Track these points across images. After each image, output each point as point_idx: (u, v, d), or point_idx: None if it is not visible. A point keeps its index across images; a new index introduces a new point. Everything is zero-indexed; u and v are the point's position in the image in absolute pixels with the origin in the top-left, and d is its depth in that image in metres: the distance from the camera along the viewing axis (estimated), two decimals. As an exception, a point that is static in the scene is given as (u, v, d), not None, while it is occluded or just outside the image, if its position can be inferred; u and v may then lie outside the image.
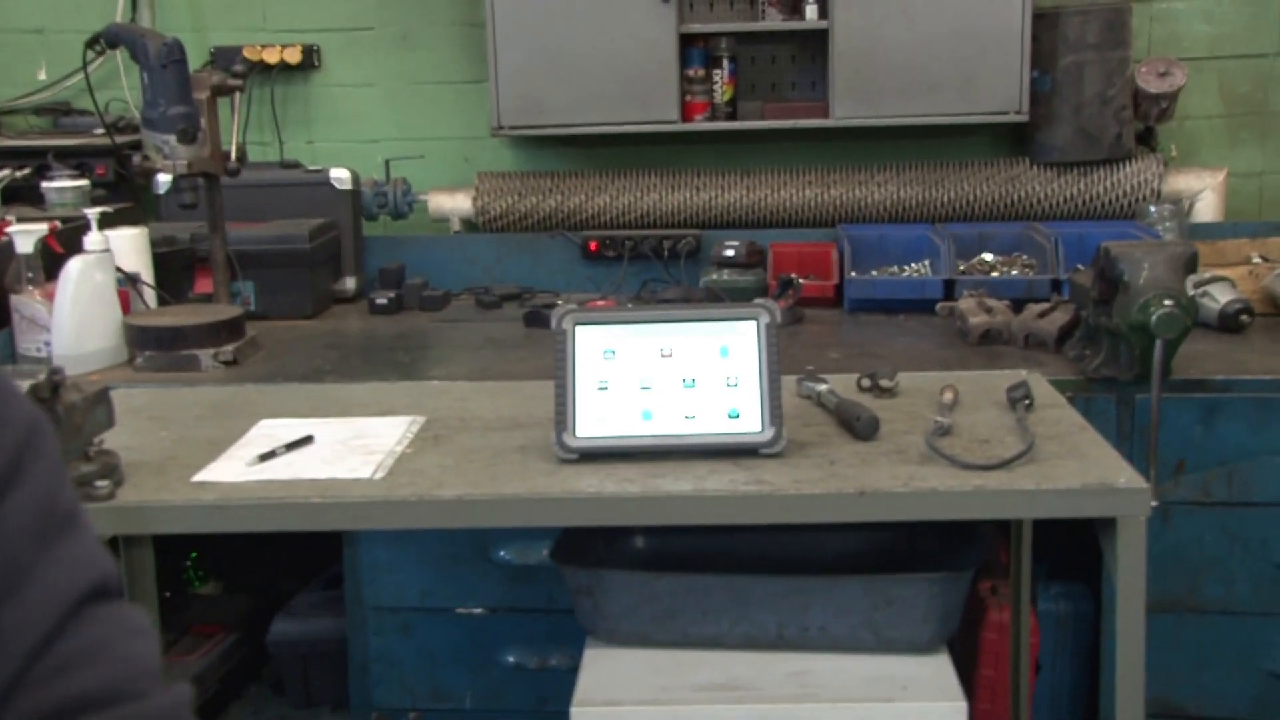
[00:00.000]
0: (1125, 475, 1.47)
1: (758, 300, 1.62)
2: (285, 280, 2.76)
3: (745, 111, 2.99)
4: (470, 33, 3.11)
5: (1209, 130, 3.02)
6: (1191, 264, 1.96)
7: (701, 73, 2.92)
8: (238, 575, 3.00)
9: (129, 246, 2.50)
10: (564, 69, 2.86)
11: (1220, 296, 2.35)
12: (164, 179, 2.67)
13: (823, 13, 2.79)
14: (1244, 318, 2.33)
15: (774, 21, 2.89)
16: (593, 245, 3.01)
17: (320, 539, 2.22)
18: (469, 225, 3.15)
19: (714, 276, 2.77)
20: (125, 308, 2.45)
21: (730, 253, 2.78)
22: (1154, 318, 1.89)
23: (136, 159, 2.48)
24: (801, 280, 2.72)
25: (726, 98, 2.97)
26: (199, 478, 1.53)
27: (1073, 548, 2.11)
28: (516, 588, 2.26)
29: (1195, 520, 2.15)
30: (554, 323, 1.58)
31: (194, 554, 3.01)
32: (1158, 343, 1.91)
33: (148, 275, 2.56)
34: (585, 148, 3.14)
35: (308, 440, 1.66)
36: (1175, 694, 2.21)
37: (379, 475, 1.52)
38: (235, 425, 1.74)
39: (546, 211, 3.09)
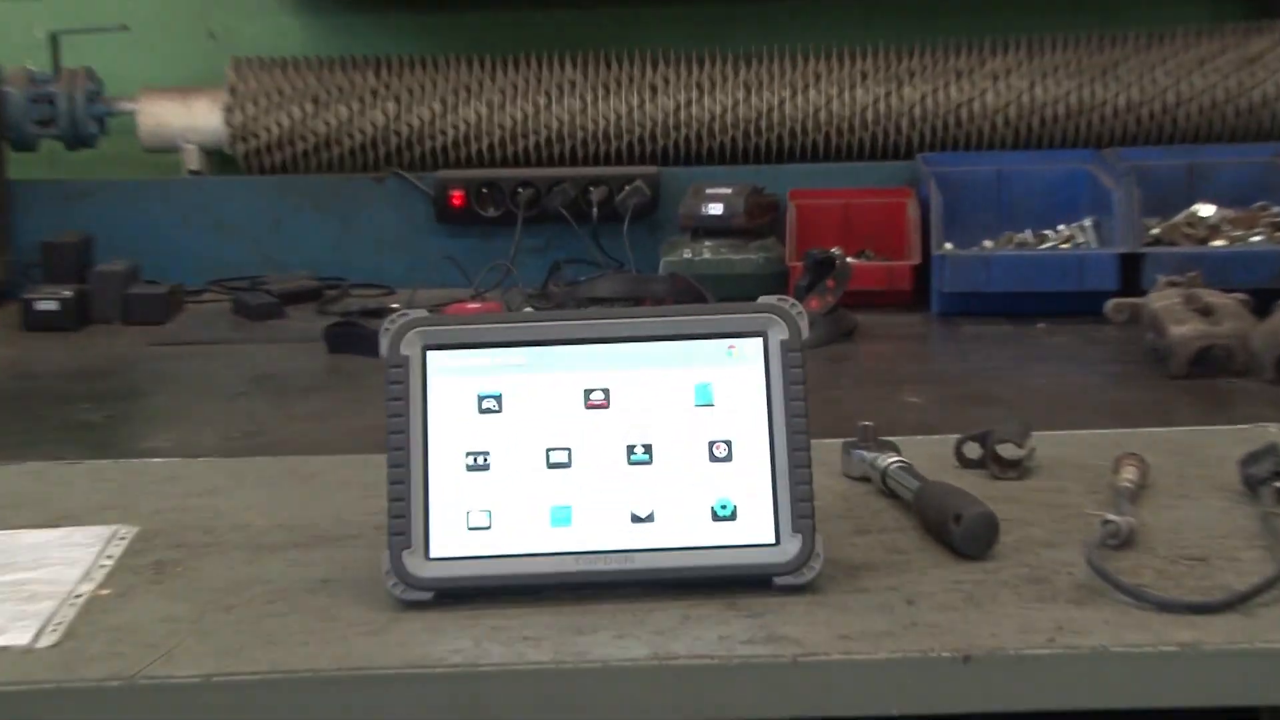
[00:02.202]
0: None
1: (767, 299, 1.25)
2: None
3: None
4: None
5: None
6: None
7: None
8: None
9: None
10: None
11: None
12: None
13: None
14: None
15: None
16: (456, 196, 2.36)
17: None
18: (219, 160, 2.52)
19: (684, 254, 2.25)
20: None
21: (715, 208, 2.20)
22: None
23: None
24: (850, 260, 2.18)
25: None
26: None
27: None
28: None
29: None
30: (384, 344, 1.24)
31: None
32: None
33: None
34: (438, 13, 2.58)
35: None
36: None
37: (46, 642, 1.20)
38: None
39: (365, 133, 2.41)
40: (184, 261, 2.38)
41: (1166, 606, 1.15)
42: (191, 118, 2.47)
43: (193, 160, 2.50)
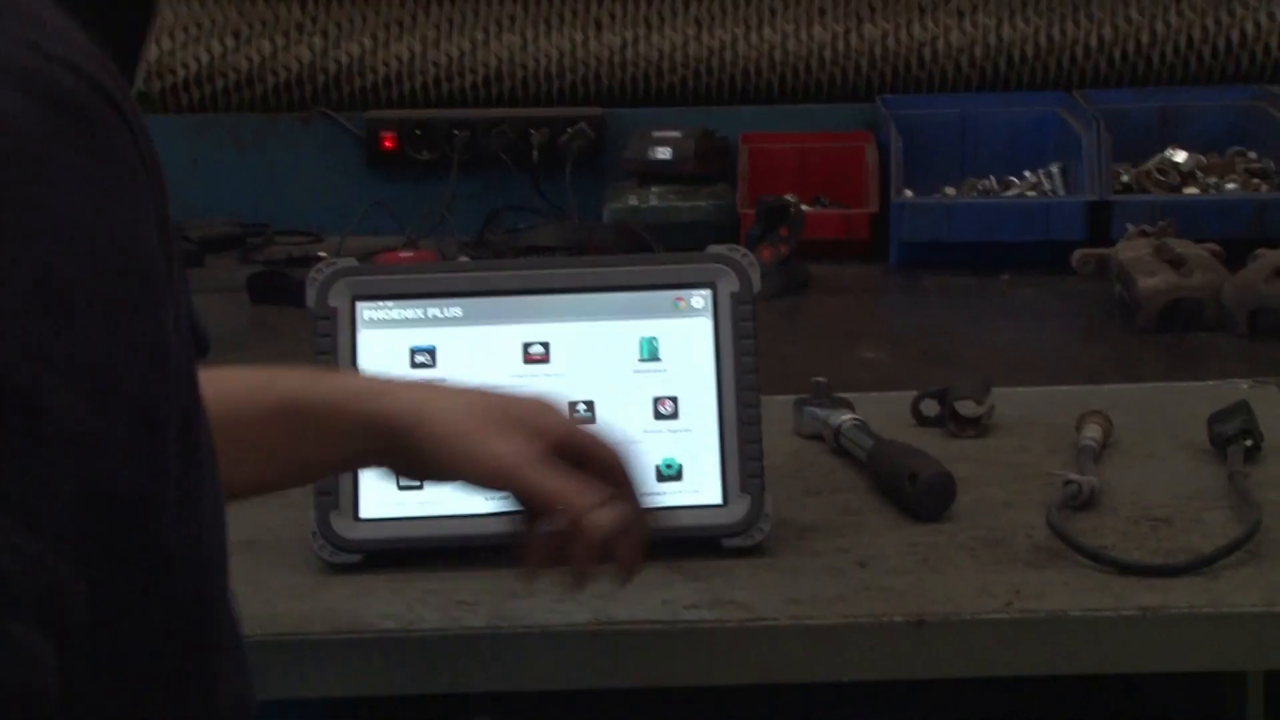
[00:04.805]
0: None
1: (716, 248, 1.24)
2: None
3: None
4: None
5: None
6: None
7: None
8: None
9: None
10: None
11: None
12: None
13: None
14: None
15: None
16: (387, 138, 2.31)
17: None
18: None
19: (630, 201, 2.21)
20: None
21: (663, 152, 2.17)
22: None
23: None
24: (805, 207, 2.16)
25: None
26: None
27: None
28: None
29: None
30: (311, 295, 1.21)
31: None
32: None
33: None
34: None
35: None
36: None
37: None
38: None
39: (290, 69, 2.33)
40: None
41: (1128, 569, 1.14)
42: (105, 52, 2.52)
43: (107, 97, 2.56)
